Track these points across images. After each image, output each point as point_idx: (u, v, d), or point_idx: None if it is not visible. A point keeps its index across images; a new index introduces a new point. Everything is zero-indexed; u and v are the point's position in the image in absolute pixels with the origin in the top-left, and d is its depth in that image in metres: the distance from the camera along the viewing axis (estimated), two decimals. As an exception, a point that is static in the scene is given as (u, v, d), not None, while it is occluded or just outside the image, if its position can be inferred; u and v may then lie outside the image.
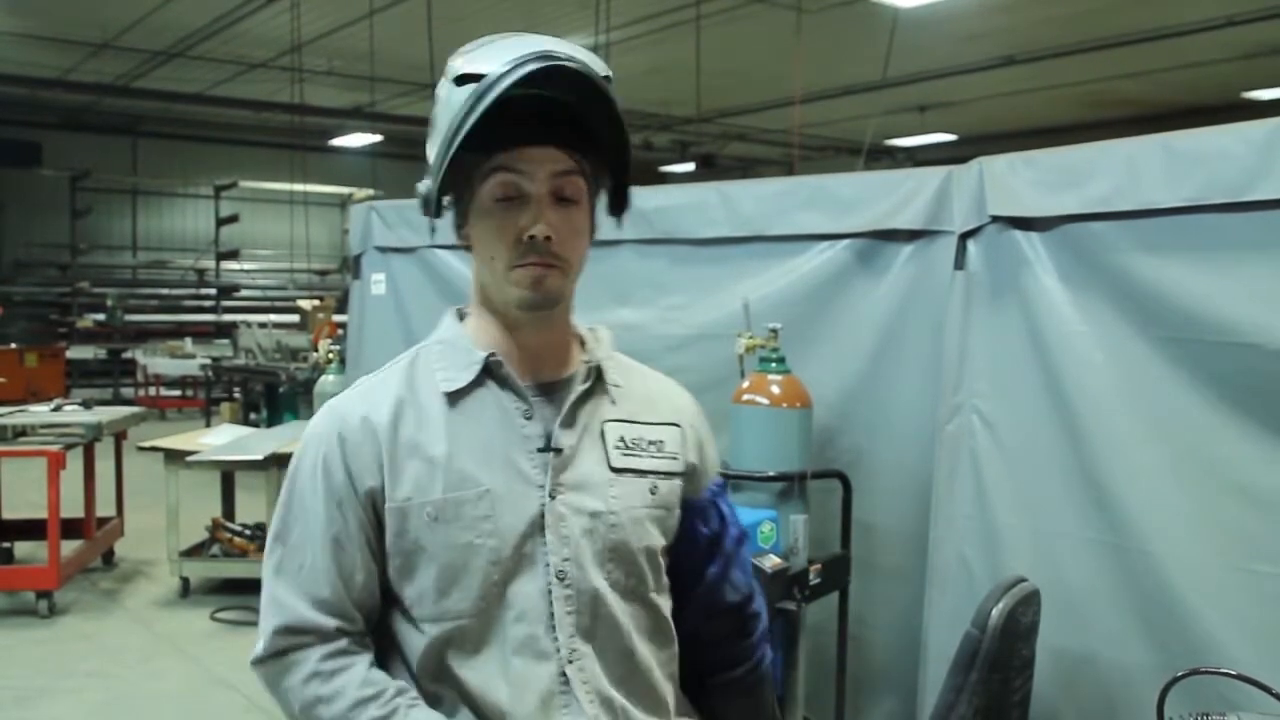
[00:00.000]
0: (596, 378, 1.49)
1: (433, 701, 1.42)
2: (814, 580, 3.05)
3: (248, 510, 7.01)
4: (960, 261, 2.90)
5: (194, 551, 6.61)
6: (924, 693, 2.88)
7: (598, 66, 1.40)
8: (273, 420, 10.63)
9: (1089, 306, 2.57)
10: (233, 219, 19.20)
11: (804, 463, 3.09)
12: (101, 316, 17.41)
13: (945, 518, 2.89)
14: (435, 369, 1.48)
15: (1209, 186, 2.34)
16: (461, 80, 1.36)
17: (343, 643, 1.43)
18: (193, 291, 19.70)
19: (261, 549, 6.24)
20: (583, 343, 1.54)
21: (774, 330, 3.15)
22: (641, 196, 3.67)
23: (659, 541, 1.50)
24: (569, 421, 1.45)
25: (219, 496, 7.11)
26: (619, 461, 1.47)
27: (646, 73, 12.79)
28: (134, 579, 6.96)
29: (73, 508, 6.46)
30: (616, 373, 1.53)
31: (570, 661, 1.41)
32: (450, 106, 1.36)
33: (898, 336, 3.14)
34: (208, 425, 10.60)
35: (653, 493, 1.49)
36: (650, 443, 1.50)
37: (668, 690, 1.52)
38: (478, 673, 1.40)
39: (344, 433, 1.44)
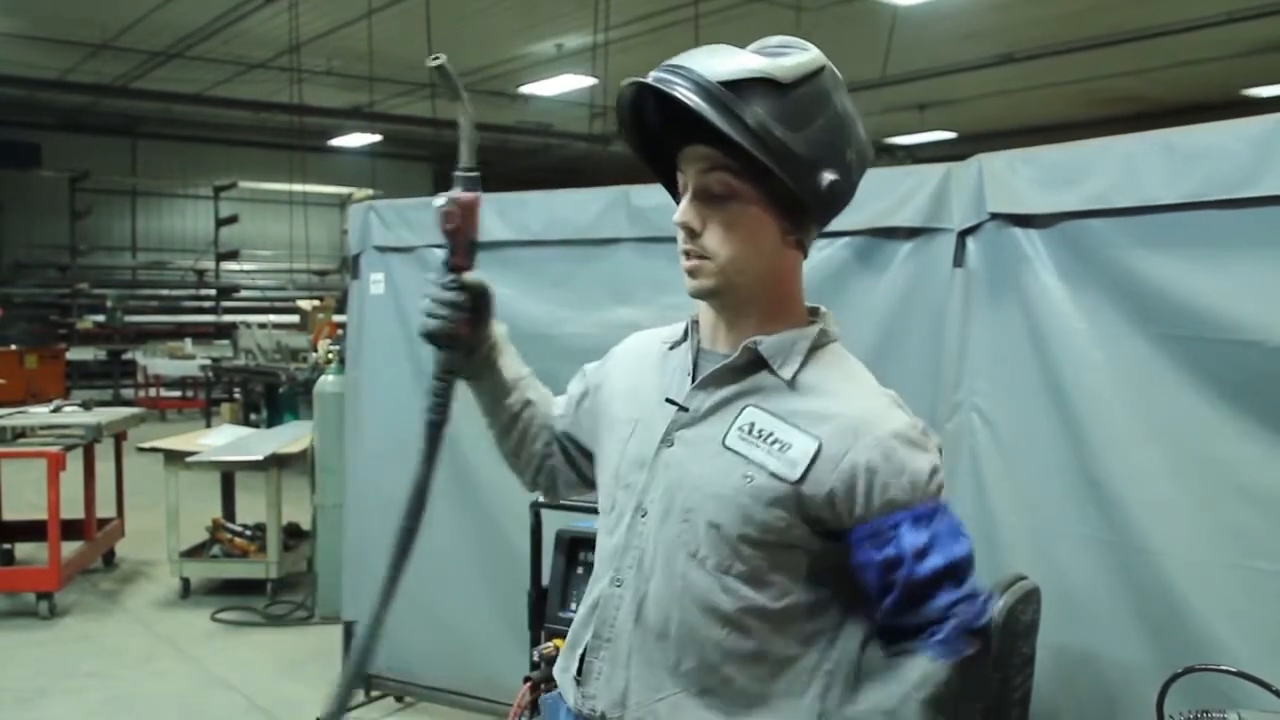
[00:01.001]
0: (759, 361, 1.56)
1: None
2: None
3: (248, 511, 7.01)
4: (959, 259, 2.89)
5: (194, 552, 6.61)
6: (924, 691, 2.87)
7: (710, 74, 1.50)
8: (273, 421, 10.62)
9: (1088, 304, 2.56)
10: (232, 219, 19.20)
11: (804, 461, 3.08)
12: (101, 318, 17.42)
13: (945, 516, 2.89)
14: (680, 327, 1.73)
15: (1208, 183, 2.34)
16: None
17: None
18: (192, 292, 19.71)
19: (261, 549, 6.26)
20: (776, 327, 1.59)
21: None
22: (640, 194, 3.68)
23: (739, 528, 1.51)
24: (705, 386, 1.59)
25: (219, 497, 7.11)
26: (732, 441, 1.54)
27: (645, 71, 12.76)
28: (134, 580, 6.97)
29: (73, 509, 6.47)
30: (807, 369, 1.56)
31: (618, 584, 1.62)
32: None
33: (896, 334, 3.14)
34: (208, 426, 10.59)
35: (746, 479, 1.51)
36: (775, 440, 1.51)
37: (700, 664, 1.55)
38: (602, 549, 1.70)
39: (616, 350, 1.85)
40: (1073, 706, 2.56)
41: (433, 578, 4.06)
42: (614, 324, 3.58)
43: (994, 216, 2.79)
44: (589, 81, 13.51)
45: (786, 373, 1.54)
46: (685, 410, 1.59)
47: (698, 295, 1.59)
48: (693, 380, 1.61)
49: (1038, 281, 2.68)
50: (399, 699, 4.65)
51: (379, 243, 4.40)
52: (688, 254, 1.55)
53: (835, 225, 3.20)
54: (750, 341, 1.55)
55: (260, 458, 6.25)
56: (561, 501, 2.26)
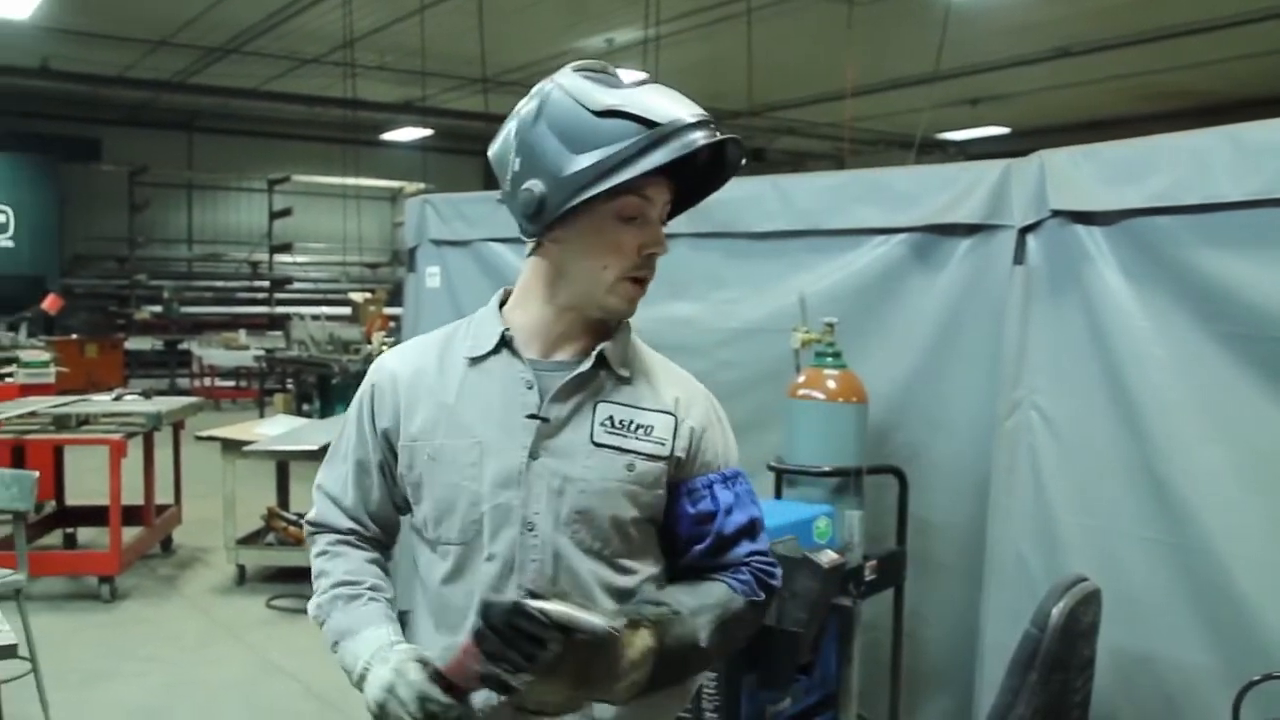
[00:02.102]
0: (601, 363, 1.66)
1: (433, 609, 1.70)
2: (869, 577, 3.03)
3: (302, 500, 7.07)
4: (1020, 256, 2.87)
5: (250, 539, 6.71)
6: (980, 691, 2.86)
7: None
8: (325, 411, 10.73)
9: (1152, 302, 2.54)
10: (286, 212, 19.38)
11: (860, 458, 3.08)
12: (158, 308, 17.68)
13: (1003, 515, 2.88)
14: (467, 336, 1.71)
15: (1278, 179, 2.30)
16: (612, 114, 1.54)
17: (351, 538, 1.77)
18: (246, 284, 19.92)
19: (317, 538, 6.33)
20: (608, 333, 1.70)
21: (830, 325, 3.15)
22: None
23: (629, 513, 1.64)
24: (561, 396, 1.64)
25: (274, 486, 7.20)
26: (600, 437, 1.63)
27: (696, 66, 12.77)
28: (191, 565, 7.07)
29: (133, 495, 6.58)
30: (631, 361, 1.70)
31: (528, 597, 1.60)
32: (598, 131, 1.54)
33: (955, 331, 3.13)
34: (261, 416, 10.73)
35: (629, 469, 1.64)
36: (639, 426, 1.65)
37: None
38: (453, 595, 1.65)
39: (378, 380, 1.74)
40: (1133, 709, 2.53)
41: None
42: (670, 319, 3.59)
43: (1056, 213, 2.77)
44: (640, 76, 13.47)
45: (625, 371, 1.68)
46: (546, 421, 1.63)
47: (630, 315, 1.67)
48: (535, 391, 1.63)
49: (1100, 279, 2.65)
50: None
51: (435, 236, 4.44)
52: (646, 279, 1.63)
53: (893, 222, 3.24)
54: (601, 349, 1.65)
55: (315, 448, 6.32)
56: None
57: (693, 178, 1.64)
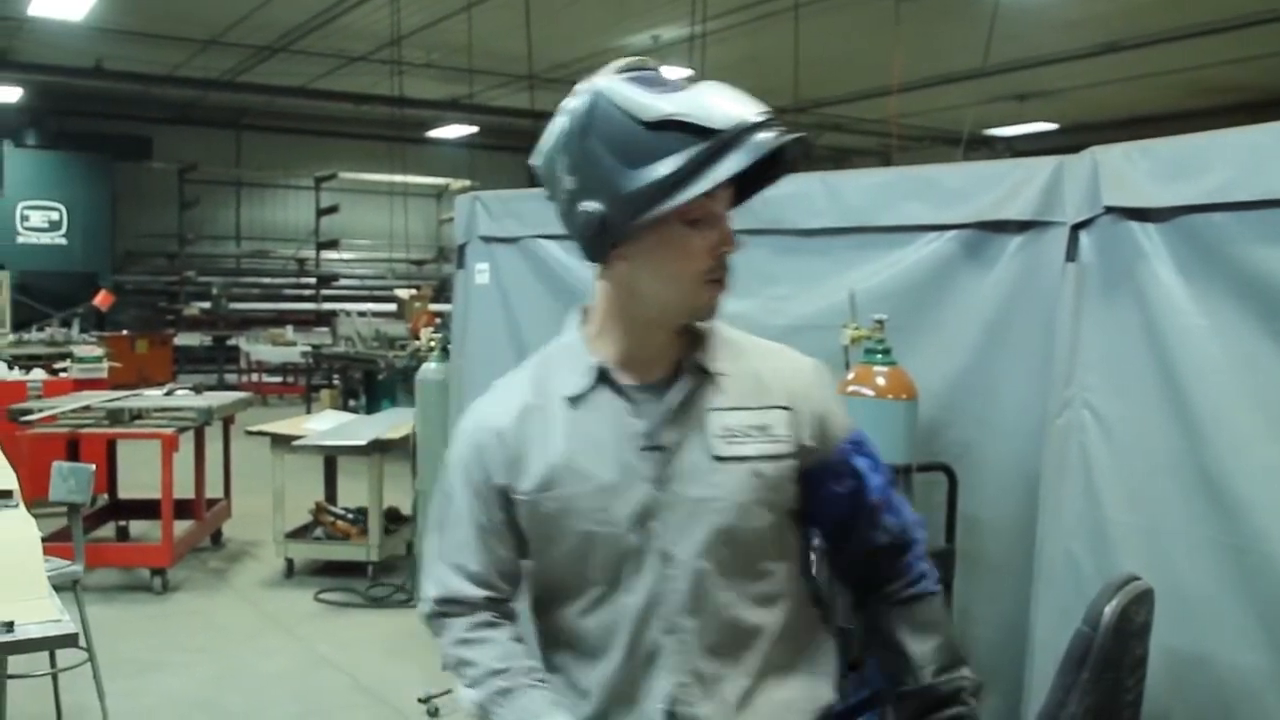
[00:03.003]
0: (699, 372, 1.62)
1: (552, 664, 1.69)
2: (918, 574, 3.02)
3: (349, 494, 7.17)
4: (1072, 253, 2.84)
5: (298, 534, 6.79)
6: (1030, 690, 2.84)
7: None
8: (371, 407, 10.84)
9: (1208, 299, 2.50)
10: (332, 209, 19.57)
11: (909, 455, 3.07)
12: (207, 305, 17.92)
13: (1053, 513, 2.85)
14: (558, 372, 1.66)
15: (1338, 176, 2.27)
16: (672, 124, 1.46)
17: (487, 615, 1.68)
18: (294, 280, 20.14)
19: (362, 533, 6.41)
20: (696, 337, 1.65)
21: (879, 322, 3.14)
22: (746, 187, 3.69)
23: (766, 520, 1.62)
24: (672, 419, 1.60)
25: (321, 480, 7.28)
26: (722, 450, 1.59)
27: (741, 62, 12.74)
28: (241, 559, 7.18)
29: (184, 489, 6.68)
30: (726, 359, 1.65)
31: (669, 633, 1.59)
32: (655, 144, 1.46)
33: (1006, 329, 3.10)
34: (308, 411, 10.84)
35: (757, 476, 1.60)
36: (756, 428, 1.61)
37: (779, 649, 1.65)
38: (592, 626, 1.63)
39: (482, 440, 1.66)
40: (1186, 710, 2.51)
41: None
42: (721, 316, 3.59)
43: (1109, 210, 2.74)
44: (685, 73, 13.45)
45: (726, 371, 1.64)
46: (663, 449, 1.59)
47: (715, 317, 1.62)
48: (644, 420, 1.59)
49: (1154, 276, 2.62)
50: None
51: (484, 233, 4.47)
52: (722, 280, 1.59)
53: (943, 218, 3.22)
54: (692, 361, 1.62)
55: (364, 443, 6.39)
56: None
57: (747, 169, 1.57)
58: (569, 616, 1.66)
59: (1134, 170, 2.68)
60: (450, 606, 1.69)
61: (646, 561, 1.59)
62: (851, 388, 3.08)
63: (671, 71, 1.59)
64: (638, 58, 1.60)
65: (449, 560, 1.70)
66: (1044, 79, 14.14)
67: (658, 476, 1.58)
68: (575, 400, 1.62)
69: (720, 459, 1.58)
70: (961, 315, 3.20)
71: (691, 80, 1.56)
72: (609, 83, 1.53)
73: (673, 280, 1.56)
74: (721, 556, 1.59)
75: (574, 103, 1.54)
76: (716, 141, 1.45)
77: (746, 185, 1.60)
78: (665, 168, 1.45)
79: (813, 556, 1.79)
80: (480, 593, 1.68)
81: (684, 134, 1.46)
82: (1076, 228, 2.84)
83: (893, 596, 1.70)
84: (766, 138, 1.48)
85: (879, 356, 3.12)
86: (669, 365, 1.63)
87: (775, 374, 1.67)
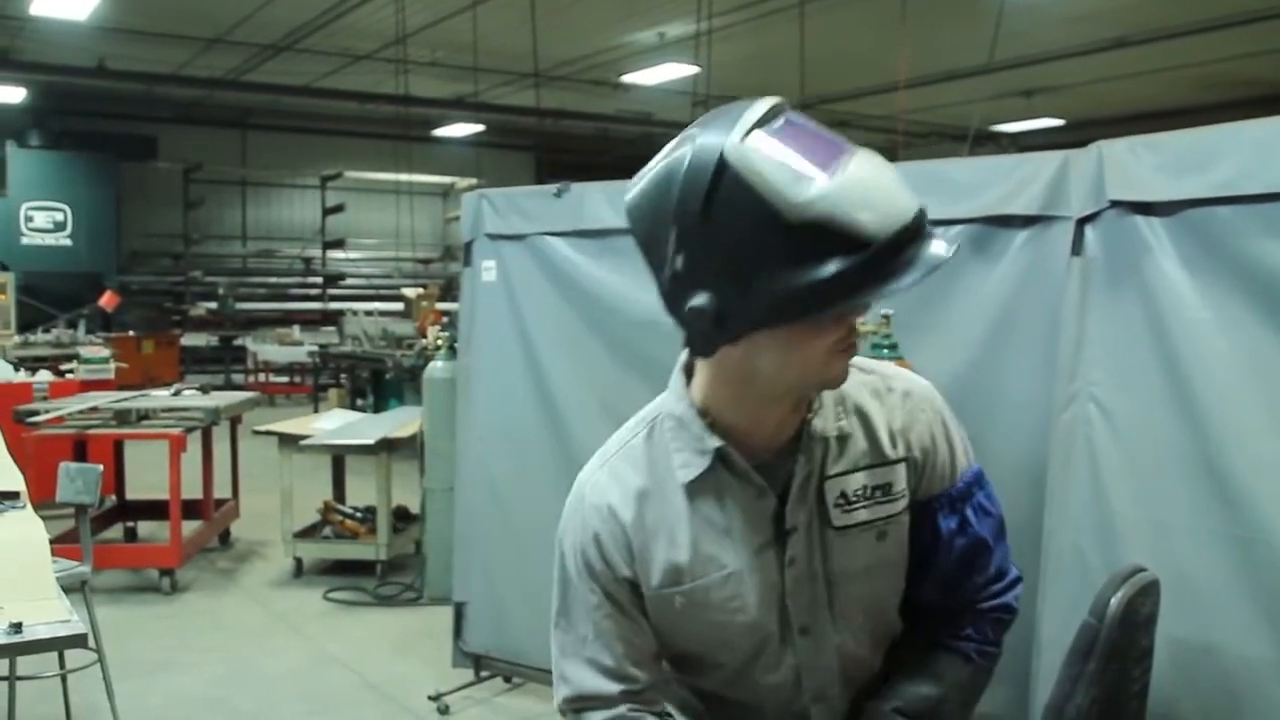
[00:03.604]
0: (813, 438, 1.52)
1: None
2: (925, 568, 3.03)
3: (358, 493, 7.18)
4: (1078, 247, 2.84)
5: (306, 533, 6.80)
6: (1037, 682, 2.85)
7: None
8: (379, 406, 10.85)
9: (1213, 293, 2.50)
10: (338, 209, 19.58)
11: (915, 450, 3.07)
12: (213, 305, 17.94)
13: (1060, 507, 2.86)
14: (672, 450, 1.52)
15: (1343, 169, 2.27)
16: (819, 226, 1.25)
17: (623, 709, 1.56)
18: (300, 280, 20.17)
19: (371, 531, 6.43)
20: (810, 404, 1.53)
21: (886, 317, 3.14)
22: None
23: (898, 582, 1.61)
24: (797, 495, 1.51)
25: (330, 480, 7.29)
26: (840, 520, 1.52)
27: (748, 59, 12.73)
28: (249, 559, 7.19)
29: (191, 489, 6.69)
30: (843, 416, 1.54)
31: (817, 701, 1.58)
32: (793, 244, 1.25)
33: (1011, 323, 3.10)
34: (315, 411, 10.85)
35: (880, 539, 1.55)
36: (875, 489, 1.54)
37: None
38: (732, 697, 1.60)
39: (598, 529, 1.56)
40: (1193, 702, 2.51)
41: (543, 562, 4.12)
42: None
43: (1114, 204, 2.74)
44: (691, 70, 13.49)
45: (840, 429, 1.53)
46: (794, 530, 1.51)
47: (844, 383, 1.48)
48: (770, 499, 1.51)
49: (1159, 270, 2.62)
50: (507, 679, 4.74)
51: (491, 230, 4.47)
52: (853, 346, 1.46)
53: (949, 213, 3.22)
54: (811, 433, 1.51)
55: (372, 442, 6.40)
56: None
57: None
58: (705, 684, 1.64)
59: (1139, 164, 2.68)
60: (585, 703, 1.58)
61: (786, 640, 1.54)
62: (858, 383, 3.08)
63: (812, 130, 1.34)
64: (771, 99, 1.34)
65: (578, 656, 1.58)
66: (1051, 75, 14.11)
67: (790, 557, 1.51)
68: (695, 485, 1.50)
69: (839, 529, 1.51)
70: (968, 310, 3.20)
71: (843, 161, 1.30)
72: (739, 147, 1.26)
73: (801, 359, 1.39)
74: (859, 623, 1.57)
75: (689, 159, 1.28)
76: (874, 257, 1.26)
77: None
78: (810, 277, 1.24)
79: None
80: (616, 687, 1.56)
81: (833, 239, 1.25)
82: (1082, 222, 2.84)
83: (956, 652, 1.66)
84: (926, 252, 1.31)
85: (885, 351, 3.13)
86: (789, 435, 1.51)
87: (890, 419, 1.57)
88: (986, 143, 17.73)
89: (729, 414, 1.48)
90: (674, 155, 1.31)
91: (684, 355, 1.53)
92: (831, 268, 1.25)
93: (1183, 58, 12.98)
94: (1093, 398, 2.78)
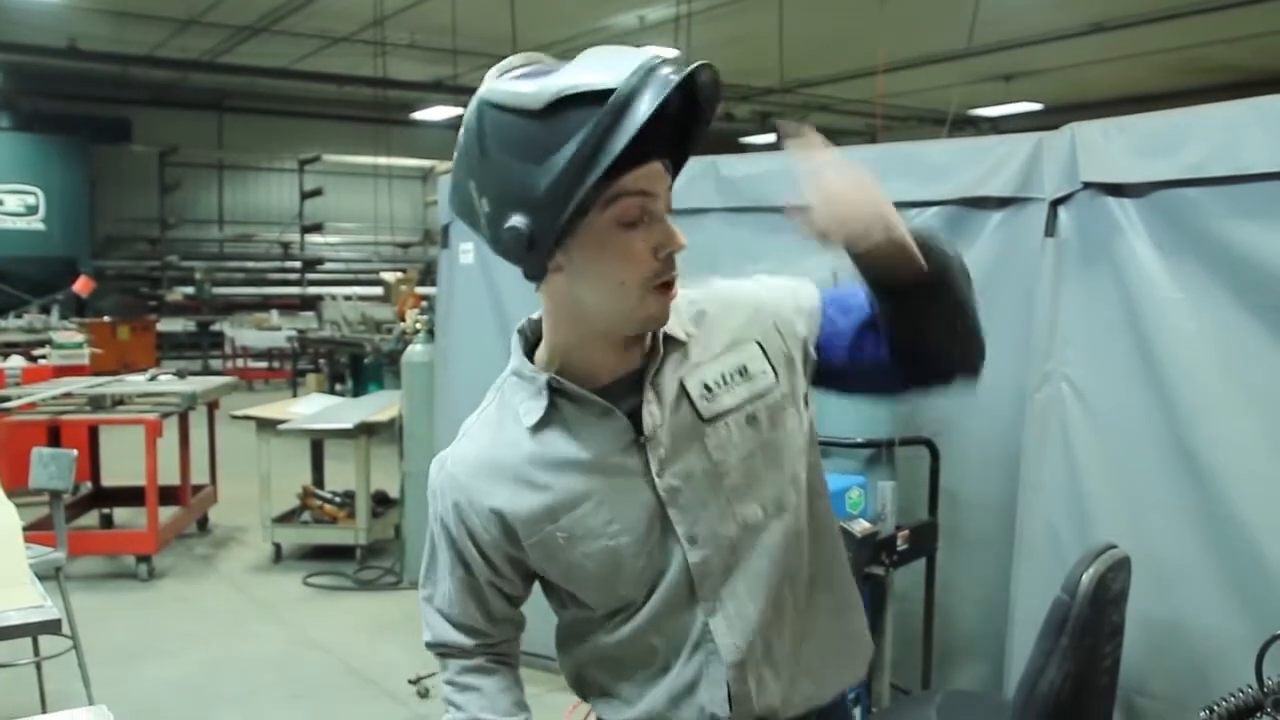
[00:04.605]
0: (668, 345, 1.50)
1: (597, 690, 1.64)
2: (901, 546, 3.06)
3: (336, 478, 7.16)
4: (1051, 229, 2.87)
5: (285, 518, 6.77)
6: (1011, 658, 2.88)
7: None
8: (358, 391, 10.83)
9: (1183, 273, 2.54)
10: (316, 192, 19.48)
11: (892, 430, 3.10)
12: (190, 290, 17.84)
13: (1034, 485, 2.89)
14: (516, 403, 1.53)
15: (1311, 151, 2.29)
16: (558, 105, 1.31)
17: (479, 659, 1.65)
18: (278, 265, 20.05)
19: (350, 516, 6.40)
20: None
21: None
22: (729, 165, 3.69)
23: (783, 465, 1.52)
24: (649, 400, 1.47)
25: (309, 464, 7.27)
26: (707, 410, 1.48)
27: (728, 43, 12.72)
28: (228, 544, 7.16)
29: (168, 475, 6.66)
30: (689, 321, 1.53)
31: (713, 614, 1.51)
32: (553, 130, 1.31)
33: (986, 304, 3.04)
34: (294, 396, 10.81)
35: (751, 422, 1.50)
36: (732, 373, 1.51)
37: (834, 593, 1.62)
38: (635, 643, 1.55)
39: (456, 498, 1.56)
40: (1162, 675, 2.55)
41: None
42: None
43: (1087, 186, 2.77)
44: (671, 53, 13.44)
45: (689, 332, 1.52)
46: (650, 437, 1.47)
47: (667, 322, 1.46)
48: (618, 415, 1.47)
49: (1131, 251, 2.65)
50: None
51: (468, 213, 4.46)
52: (671, 283, 1.42)
53: (926, 195, 3.23)
54: (661, 336, 1.48)
55: (350, 426, 6.38)
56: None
57: (675, 129, 1.40)
58: (605, 642, 1.59)
59: (1111, 146, 2.71)
60: (443, 649, 1.66)
61: (677, 557, 1.49)
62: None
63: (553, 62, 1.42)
64: (519, 54, 1.45)
65: (438, 610, 1.65)
66: (1029, 59, 14.15)
67: (657, 467, 1.47)
68: (539, 426, 1.50)
69: (708, 420, 1.48)
70: (943, 291, 3.22)
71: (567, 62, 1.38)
72: (487, 88, 1.39)
73: (615, 289, 1.40)
74: (749, 513, 1.50)
75: (463, 125, 1.42)
76: (617, 99, 1.29)
77: (678, 150, 1.44)
78: (571, 147, 1.30)
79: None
80: (470, 640, 1.64)
81: (582, 108, 1.30)
82: (1055, 203, 2.87)
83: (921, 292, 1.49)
84: (661, 77, 1.31)
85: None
86: (636, 358, 1.49)
87: (730, 309, 1.56)
88: (965, 127, 17.77)
89: (573, 355, 1.49)
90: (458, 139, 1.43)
91: (521, 322, 1.59)
92: (586, 128, 1.29)
93: (1159, 43, 13.03)
94: (1066, 378, 2.81)
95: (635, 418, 1.48)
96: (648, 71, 1.31)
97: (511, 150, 1.35)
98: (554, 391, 1.49)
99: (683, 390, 1.49)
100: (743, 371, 1.52)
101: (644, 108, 1.29)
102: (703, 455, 1.49)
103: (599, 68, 1.32)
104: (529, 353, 1.56)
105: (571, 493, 1.49)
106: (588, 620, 1.60)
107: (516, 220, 1.35)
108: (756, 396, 1.51)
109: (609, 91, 1.29)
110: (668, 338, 1.50)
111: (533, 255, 1.37)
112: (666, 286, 1.42)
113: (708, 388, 1.50)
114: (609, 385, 1.49)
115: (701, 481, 1.49)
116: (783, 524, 1.53)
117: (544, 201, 1.33)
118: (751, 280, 1.62)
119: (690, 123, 1.40)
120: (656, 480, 1.47)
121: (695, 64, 1.33)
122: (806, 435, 1.58)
